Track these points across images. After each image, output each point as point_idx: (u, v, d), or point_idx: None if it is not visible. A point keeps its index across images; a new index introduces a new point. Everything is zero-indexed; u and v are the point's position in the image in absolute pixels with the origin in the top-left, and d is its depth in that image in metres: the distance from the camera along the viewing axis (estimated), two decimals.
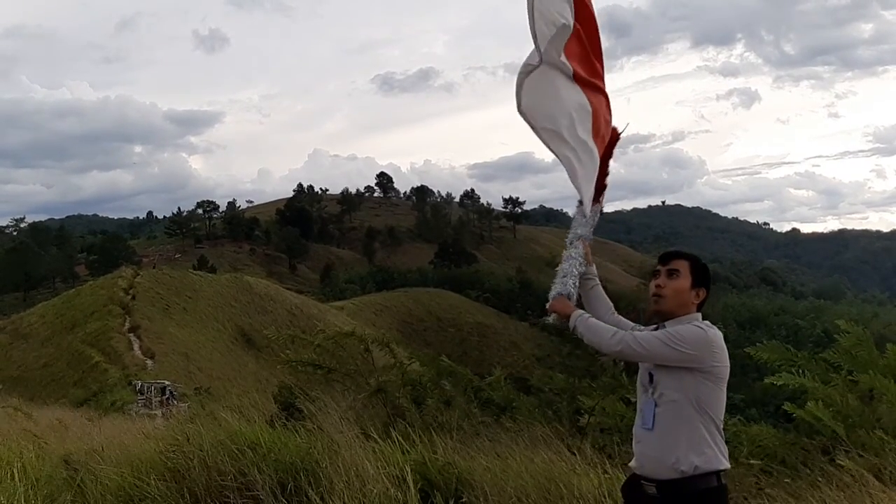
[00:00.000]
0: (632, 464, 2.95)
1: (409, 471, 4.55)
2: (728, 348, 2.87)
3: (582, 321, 3.00)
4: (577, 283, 3.25)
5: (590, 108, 3.54)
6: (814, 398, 4.96)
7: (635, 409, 6.00)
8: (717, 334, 2.82)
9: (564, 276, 3.22)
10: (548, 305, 3.14)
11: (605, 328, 2.96)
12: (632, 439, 2.95)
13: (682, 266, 2.94)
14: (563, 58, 3.47)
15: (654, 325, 2.97)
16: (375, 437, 5.15)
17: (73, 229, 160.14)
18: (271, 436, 5.29)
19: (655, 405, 2.83)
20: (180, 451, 5.21)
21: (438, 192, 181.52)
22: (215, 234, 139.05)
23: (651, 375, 2.87)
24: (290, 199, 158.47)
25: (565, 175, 3.47)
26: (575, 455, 4.72)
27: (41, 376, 53.44)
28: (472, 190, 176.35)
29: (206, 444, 5.17)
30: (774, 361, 5.39)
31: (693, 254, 3.02)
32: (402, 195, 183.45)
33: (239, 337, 67.48)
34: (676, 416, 2.78)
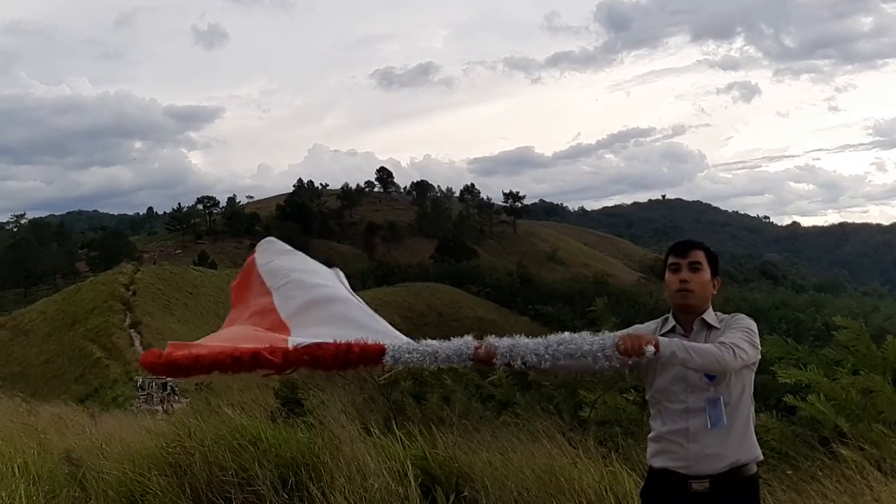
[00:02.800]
0: (669, 465, 2.82)
1: (410, 465, 4.56)
2: None
3: (681, 345, 2.63)
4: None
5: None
6: (816, 392, 4.97)
7: (634, 404, 5.97)
8: None
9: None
10: (621, 343, 2.57)
11: (710, 346, 2.68)
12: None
13: (702, 257, 2.88)
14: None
15: (660, 325, 2.91)
16: (376, 432, 5.16)
17: (73, 225, 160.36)
18: (273, 431, 5.30)
19: (724, 402, 2.75)
20: (181, 447, 5.22)
21: (438, 186, 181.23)
22: (215, 229, 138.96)
23: (709, 377, 2.76)
24: (290, 195, 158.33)
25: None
26: (576, 449, 4.72)
27: (42, 372, 53.52)
28: (472, 185, 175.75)
29: (208, 439, 5.18)
30: (774, 355, 5.40)
31: (703, 242, 2.96)
32: (402, 190, 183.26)
33: None
34: (742, 409, 2.79)
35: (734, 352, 2.65)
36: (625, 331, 2.86)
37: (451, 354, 2.63)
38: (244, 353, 2.64)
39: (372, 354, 2.65)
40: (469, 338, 2.65)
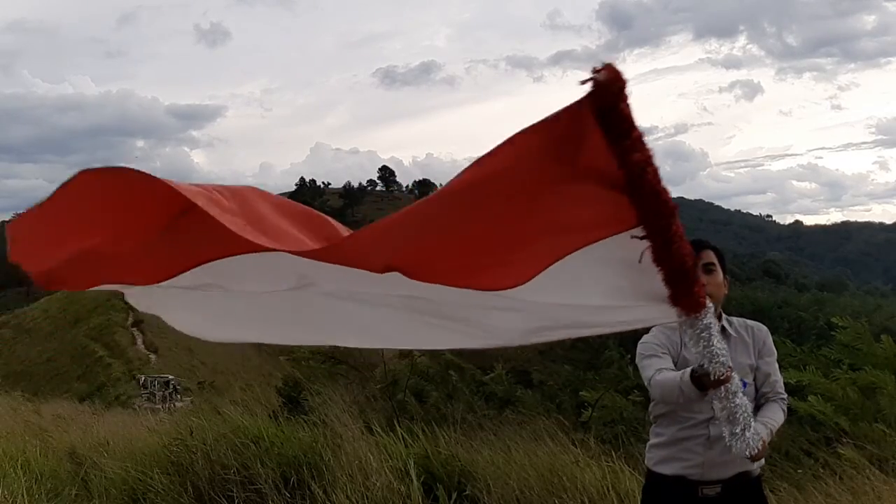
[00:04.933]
0: (681, 471, 2.77)
1: (413, 464, 4.56)
2: None
3: (773, 426, 2.68)
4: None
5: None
6: (815, 392, 4.97)
7: (634, 403, 5.95)
8: None
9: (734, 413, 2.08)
10: (758, 449, 2.15)
11: (779, 411, 2.80)
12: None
13: (714, 258, 2.80)
14: None
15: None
16: (378, 430, 5.16)
17: None
18: (275, 430, 5.30)
19: None
20: (184, 445, 5.23)
21: (441, 184, 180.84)
22: None
23: (744, 383, 2.64)
24: (292, 193, 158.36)
25: None
26: (578, 448, 4.71)
27: (45, 371, 53.59)
28: None
29: (210, 438, 5.18)
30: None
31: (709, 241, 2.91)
32: (404, 189, 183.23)
33: None
34: None
35: (785, 396, 2.86)
36: (648, 336, 2.79)
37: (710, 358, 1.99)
38: None
39: (698, 301, 1.79)
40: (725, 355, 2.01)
